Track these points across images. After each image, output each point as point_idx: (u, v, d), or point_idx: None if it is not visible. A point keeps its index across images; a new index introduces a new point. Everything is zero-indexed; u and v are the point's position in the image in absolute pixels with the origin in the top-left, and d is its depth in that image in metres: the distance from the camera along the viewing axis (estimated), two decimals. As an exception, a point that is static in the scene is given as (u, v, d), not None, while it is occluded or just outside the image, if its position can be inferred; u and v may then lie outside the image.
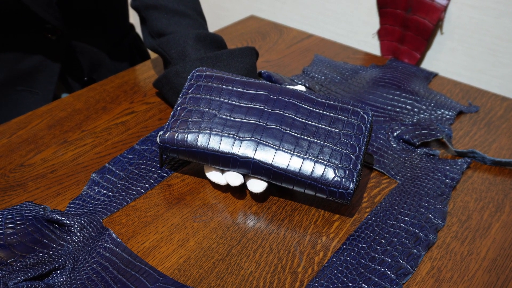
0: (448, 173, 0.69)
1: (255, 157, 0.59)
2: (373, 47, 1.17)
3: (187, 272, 0.53)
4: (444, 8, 1.01)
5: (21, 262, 0.51)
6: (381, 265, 0.55)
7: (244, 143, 0.60)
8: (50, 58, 0.90)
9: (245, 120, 0.61)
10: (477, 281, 0.55)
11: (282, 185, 0.61)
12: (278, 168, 0.59)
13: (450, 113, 0.82)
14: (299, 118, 0.61)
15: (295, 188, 0.60)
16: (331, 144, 0.60)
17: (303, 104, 0.62)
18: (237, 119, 0.61)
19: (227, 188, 0.65)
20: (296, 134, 0.60)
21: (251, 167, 0.60)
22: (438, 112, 0.82)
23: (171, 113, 0.64)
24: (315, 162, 0.59)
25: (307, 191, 0.60)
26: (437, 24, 1.05)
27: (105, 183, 0.64)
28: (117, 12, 1.01)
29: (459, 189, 0.68)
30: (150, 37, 0.83)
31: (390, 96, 0.85)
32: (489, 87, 1.04)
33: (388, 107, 0.83)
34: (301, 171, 0.58)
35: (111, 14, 0.99)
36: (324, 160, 0.59)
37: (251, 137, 0.60)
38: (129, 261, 0.53)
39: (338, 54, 1.02)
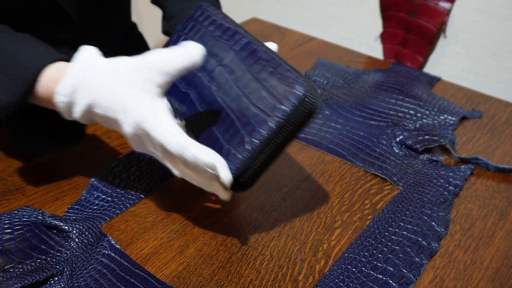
0: (451, 179, 0.68)
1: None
2: (376, 50, 1.17)
3: (186, 279, 0.53)
4: (448, 12, 1.00)
5: (18, 268, 0.50)
6: (383, 274, 0.54)
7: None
8: None
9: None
10: (481, 290, 0.54)
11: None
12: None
13: (454, 118, 0.81)
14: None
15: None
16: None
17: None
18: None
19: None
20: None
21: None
22: (441, 117, 0.81)
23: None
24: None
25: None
26: (441, 28, 1.04)
27: (104, 188, 0.63)
28: (121, 9, 1.01)
29: (462, 196, 0.67)
30: (165, 22, 0.84)
31: (393, 100, 0.84)
32: (493, 92, 1.03)
33: (391, 112, 0.82)
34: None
35: (115, 11, 0.98)
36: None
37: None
38: (128, 268, 0.53)
39: (341, 57, 1.01)
